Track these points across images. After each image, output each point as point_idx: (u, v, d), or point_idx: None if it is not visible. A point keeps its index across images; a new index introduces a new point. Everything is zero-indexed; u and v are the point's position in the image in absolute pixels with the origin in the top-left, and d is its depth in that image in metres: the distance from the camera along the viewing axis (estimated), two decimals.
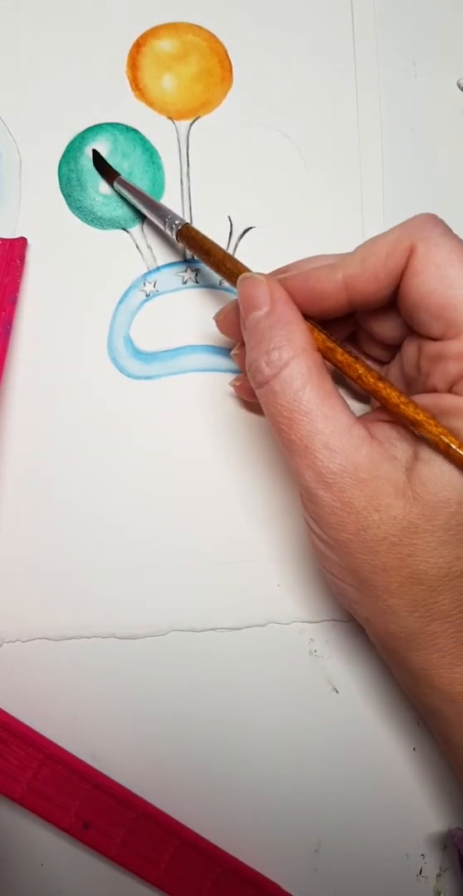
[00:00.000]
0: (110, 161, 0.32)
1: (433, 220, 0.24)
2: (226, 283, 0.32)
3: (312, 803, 0.30)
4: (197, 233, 0.29)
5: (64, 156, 0.33)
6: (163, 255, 0.32)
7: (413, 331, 0.25)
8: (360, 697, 0.30)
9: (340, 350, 0.25)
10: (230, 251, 0.32)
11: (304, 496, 0.25)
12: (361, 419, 0.25)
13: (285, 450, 0.24)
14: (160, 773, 0.29)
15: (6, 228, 0.32)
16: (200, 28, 0.33)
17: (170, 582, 0.30)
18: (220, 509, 0.31)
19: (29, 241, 0.32)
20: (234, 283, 0.27)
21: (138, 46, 0.33)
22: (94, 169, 0.33)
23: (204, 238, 0.28)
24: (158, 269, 0.32)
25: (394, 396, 0.24)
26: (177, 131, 0.33)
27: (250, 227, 0.33)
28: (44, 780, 0.28)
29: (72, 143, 0.33)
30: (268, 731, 0.30)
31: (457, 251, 0.23)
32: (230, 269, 0.27)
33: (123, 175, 0.32)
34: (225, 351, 0.32)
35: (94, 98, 0.33)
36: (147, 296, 0.32)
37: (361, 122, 0.34)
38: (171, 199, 0.33)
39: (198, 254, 0.28)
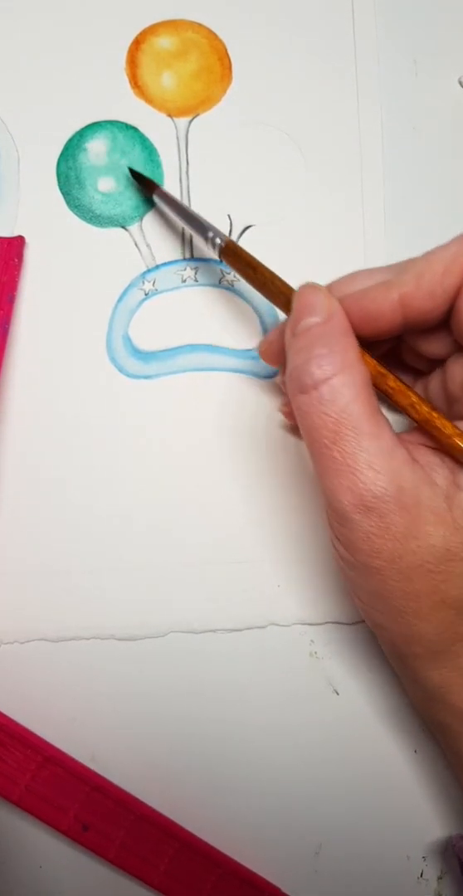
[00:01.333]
0: (109, 159, 0.32)
1: None
2: (226, 282, 0.32)
3: (312, 805, 0.30)
4: (242, 250, 0.27)
5: (62, 153, 0.32)
6: (162, 253, 0.32)
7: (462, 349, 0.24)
8: (361, 699, 0.30)
9: (391, 377, 0.24)
10: None
11: (334, 519, 0.23)
12: (402, 439, 0.24)
13: (322, 467, 0.23)
14: (159, 776, 0.29)
15: (4, 227, 0.32)
16: (200, 25, 0.33)
17: (169, 583, 0.30)
18: (220, 509, 0.31)
19: (27, 240, 0.32)
20: (279, 303, 0.26)
21: (138, 44, 0.33)
22: (92, 166, 0.32)
23: (250, 256, 0.27)
24: (157, 267, 0.32)
25: (448, 427, 0.23)
26: (176, 129, 0.33)
27: (250, 226, 0.33)
28: (42, 782, 0.28)
29: (70, 140, 0.32)
30: (268, 733, 0.30)
31: None
32: (279, 287, 0.26)
33: (123, 174, 0.32)
34: (225, 350, 0.32)
35: (93, 95, 0.33)
36: (146, 294, 0.32)
37: (361, 120, 0.33)
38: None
39: (242, 272, 0.27)
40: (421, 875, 0.29)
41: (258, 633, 0.30)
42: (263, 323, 0.32)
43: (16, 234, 0.32)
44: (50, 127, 0.33)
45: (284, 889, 0.29)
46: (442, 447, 0.24)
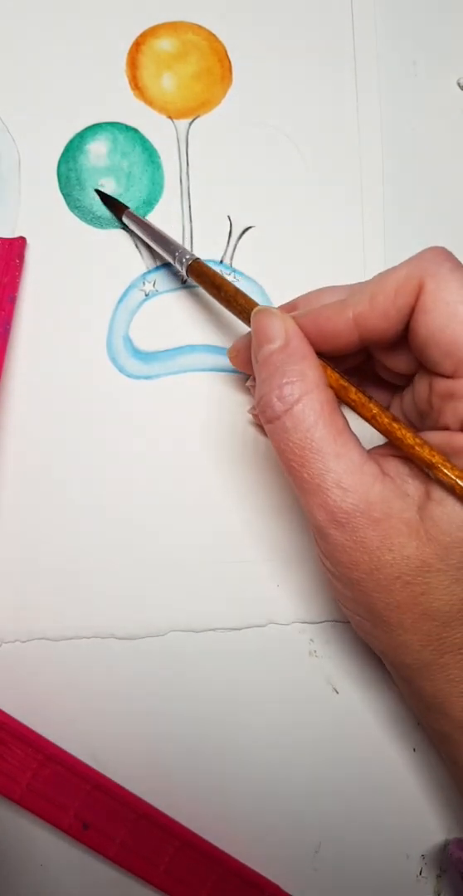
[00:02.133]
0: (110, 160, 0.32)
1: (443, 255, 0.23)
2: None
3: (312, 804, 0.30)
4: (208, 268, 0.28)
5: (63, 155, 0.33)
6: (162, 254, 0.32)
7: (424, 366, 0.25)
8: (360, 698, 0.30)
9: (353, 389, 0.24)
10: (229, 251, 0.32)
11: (316, 534, 0.24)
12: (373, 453, 0.24)
13: (296, 488, 0.24)
14: (160, 774, 0.29)
15: (5, 228, 0.32)
16: (200, 27, 0.33)
17: (169, 582, 0.30)
18: (220, 509, 0.31)
19: (28, 241, 0.32)
20: (244, 318, 0.26)
21: (138, 45, 0.33)
22: (93, 167, 0.32)
23: (215, 273, 0.28)
24: (158, 268, 0.32)
25: (408, 438, 0.23)
26: (176, 130, 0.33)
27: (250, 227, 0.33)
28: (43, 781, 0.28)
29: (71, 142, 0.33)
30: (267, 732, 0.30)
31: None
32: (242, 304, 0.26)
33: (123, 175, 0.32)
34: (224, 350, 0.32)
35: (94, 97, 0.33)
36: (146, 295, 0.32)
37: (360, 121, 0.34)
38: (170, 199, 0.33)
39: (208, 289, 0.28)
40: (420, 873, 0.30)
41: (258, 632, 0.30)
42: None
43: (17, 234, 0.32)
44: (51, 128, 0.33)
45: (283, 887, 0.29)
46: (407, 457, 0.24)
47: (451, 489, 0.22)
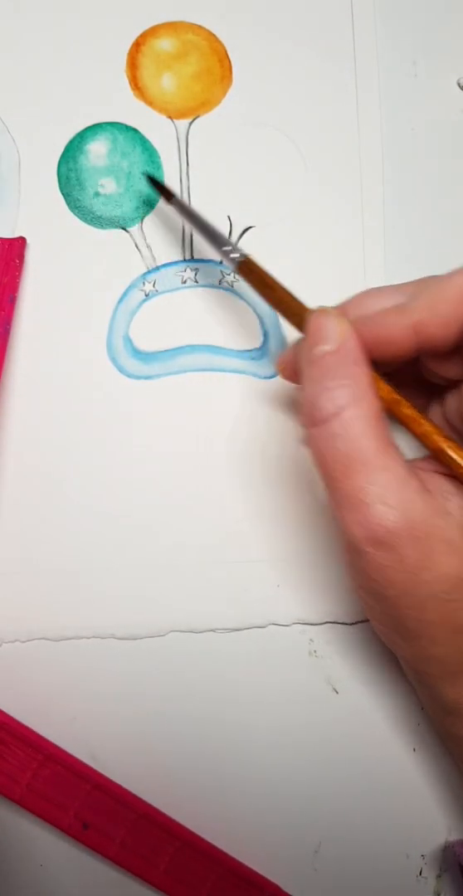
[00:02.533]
0: (110, 160, 0.32)
1: None
2: (226, 283, 0.32)
3: (311, 804, 0.30)
4: (259, 267, 0.27)
5: (63, 155, 0.33)
6: (162, 254, 0.32)
7: None
8: (360, 698, 0.30)
9: (405, 403, 0.24)
10: None
11: (348, 550, 0.23)
12: (414, 466, 0.24)
13: (334, 500, 0.23)
14: (160, 774, 0.29)
15: (5, 228, 0.32)
16: (200, 27, 0.33)
17: (169, 582, 0.30)
18: (220, 509, 0.31)
19: (28, 241, 0.32)
20: (294, 322, 0.25)
21: (138, 45, 0.33)
22: (93, 167, 0.32)
23: (267, 274, 0.27)
24: (158, 268, 0.32)
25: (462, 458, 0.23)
26: (176, 130, 0.33)
27: (250, 227, 0.33)
28: (43, 781, 0.28)
29: (71, 142, 0.33)
30: (268, 732, 0.30)
31: None
32: (293, 307, 0.25)
33: (123, 175, 0.32)
34: (225, 351, 0.32)
35: (94, 97, 0.33)
36: (146, 295, 0.32)
37: (360, 121, 0.34)
38: None
39: (258, 289, 0.27)
40: (420, 873, 0.30)
41: (258, 633, 0.30)
42: (262, 324, 0.32)
43: (17, 234, 0.32)
44: (51, 128, 0.33)
45: (283, 887, 0.29)
46: (456, 477, 0.23)
47: None
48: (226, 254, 0.28)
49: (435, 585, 0.22)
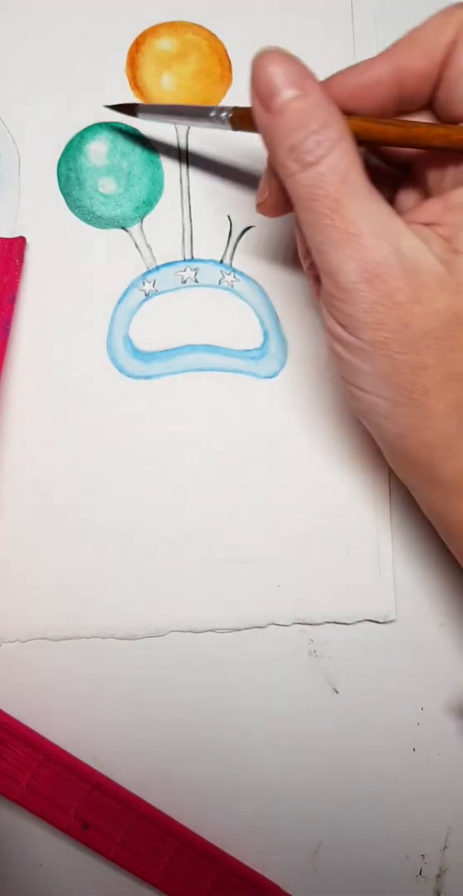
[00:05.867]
0: (110, 160, 0.32)
1: None
2: (226, 283, 0.32)
3: (311, 804, 0.30)
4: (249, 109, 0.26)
5: (63, 154, 0.33)
6: (162, 254, 0.32)
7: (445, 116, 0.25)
8: (359, 698, 0.30)
9: (389, 120, 0.24)
10: (229, 251, 0.32)
11: (337, 298, 0.23)
12: None
13: (325, 242, 0.23)
14: (160, 774, 0.29)
15: (5, 227, 0.32)
16: (200, 27, 0.33)
17: (169, 582, 0.30)
18: (220, 509, 0.31)
19: (28, 241, 0.32)
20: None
21: (138, 45, 0.33)
22: (93, 168, 0.32)
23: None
24: (158, 268, 0.32)
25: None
26: (176, 130, 0.33)
27: (250, 227, 0.33)
28: (43, 781, 0.28)
29: (71, 141, 0.33)
30: (267, 732, 0.30)
31: None
32: None
33: (123, 175, 0.32)
34: (225, 351, 0.32)
35: (94, 97, 0.33)
36: (146, 295, 0.32)
37: None
38: (170, 199, 0.33)
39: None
40: (420, 873, 0.30)
41: (258, 633, 0.30)
42: (262, 324, 0.32)
43: (16, 234, 0.32)
44: (50, 128, 0.33)
45: (283, 887, 0.29)
46: (430, 222, 0.23)
47: None
48: (214, 118, 0.27)
49: (428, 321, 0.23)
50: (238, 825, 0.29)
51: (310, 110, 0.22)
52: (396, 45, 0.25)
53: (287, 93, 0.22)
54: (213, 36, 0.33)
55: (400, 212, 0.24)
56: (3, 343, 0.30)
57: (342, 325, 0.24)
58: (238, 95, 0.33)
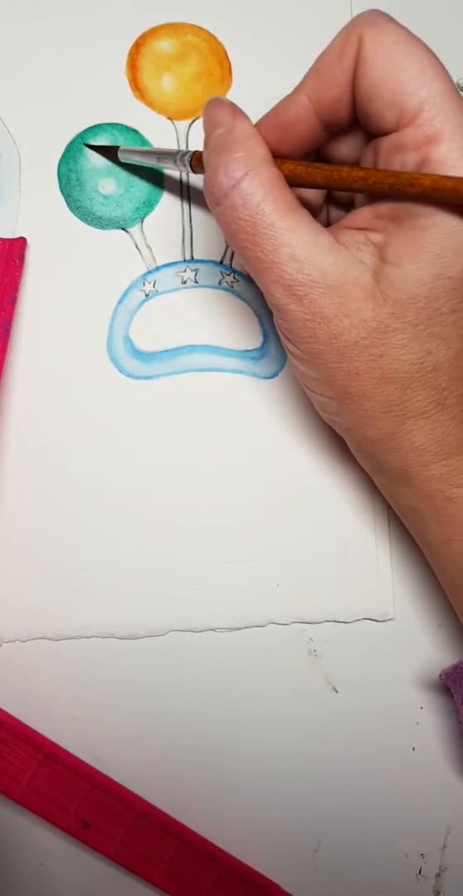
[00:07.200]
0: (110, 160, 0.33)
1: (376, 11, 0.24)
2: (226, 283, 0.32)
3: (311, 803, 0.30)
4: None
5: (63, 155, 0.33)
6: (162, 255, 0.32)
7: (369, 138, 0.25)
8: (359, 697, 0.30)
9: (316, 164, 0.24)
10: (229, 251, 0.33)
11: (276, 314, 0.25)
12: (328, 228, 0.25)
13: (251, 269, 0.24)
14: (160, 773, 0.29)
15: (5, 228, 0.32)
16: (200, 28, 0.33)
17: (169, 582, 0.30)
18: (220, 509, 0.31)
19: (28, 241, 0.32)
20: None
21: (138, 47, 0.33)
22: (93, 168, 0.33)
23: None
24: (158, 269, 0.32)
25: (392, 175, 0.23)
26: (176, 131, 0.33)
27: None
28: (43, 780, 0.28)
29: (71, 142, 0.33)
30: (267, 731, 0.30)
31: (402, 34, 0.24)
32: None
33: (123, 176, 0.32)
34: (225, 351, 0.32)
35: (94, 98, 0.33)
36: (146, 296, 0.32)
37: None
38: (170, 199, 0.33)
39: None
40: (419, 872, 0.30)
41: (258, 632, 0.30)
42: (262, 324, 0.32)
43: (17, 235, 0.32)
44: (51, 129, 0.33)
45: (283, 886, 0.29)
46: (394, 194, 0.23)
47: (453, 191, 0.22)
48: (180, 160, 0.28)
49: (355, 332, 0.24)
50: (238, 824, 0.29)
51: (233, 140, 0.24)
52: (305, 79, 0.25)
53: (219, 129, 0.24)
54: (214, 37, 0.34)
55: (340, 216, 0.25)
56: (3, 343, 0.30)
57: (285, 336, 0.25)
58: (238, 96, 0.33)
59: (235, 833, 0.29)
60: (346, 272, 0.23)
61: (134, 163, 0.32)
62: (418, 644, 0.30)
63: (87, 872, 0.29)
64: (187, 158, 0.28)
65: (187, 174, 0.33)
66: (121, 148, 0.32)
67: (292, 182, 0.24)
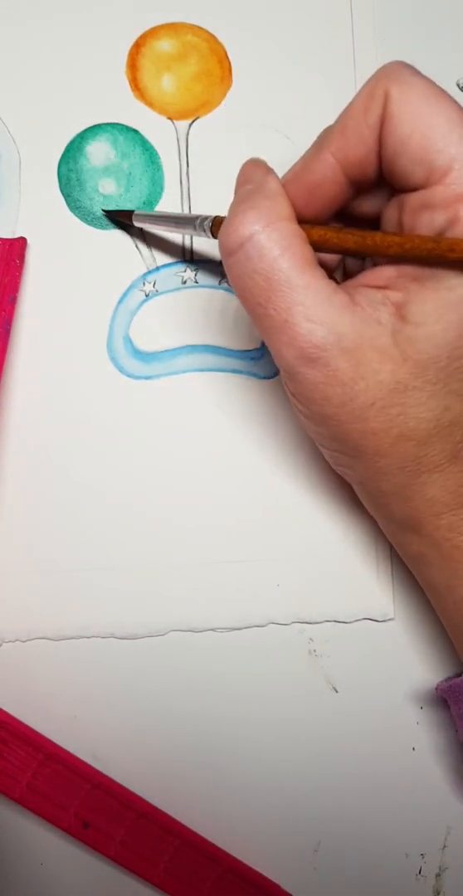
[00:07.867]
0: (110, 161, 0.33)
1: (401, 64, 0.23)
2: (226, 283, 0.32)
3: (311, 803, 0.30)
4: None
5: (63, 156, 0.33)
6: (162, 255, 0.32)
7: (392, 193, 0.24)
8: (359, 697, 0.30)
9: (347, 230, 0.23)
10: None
11: (284, 375, 0.24)
12: (343, 286, 0.24)
13: (261, 328, 0.23)
14: (160, 773, 0.29)
15: (5, 228, 0.32)
16: (200, 28, 0.33)
17: (169, 582, 0.30)
18: (220, 509, 0.31)
19: (28, 241, 0.32)
20: None
21: (138, 47, 0.33)
22: (93, 169, 0.33)
23: None
24: (158, 269, 0.32)
25: (411, 240, 0.22)
26: (176, 131, 0.33)
27: None
28: (43, 780, 0.28)
29: (71, 142, 0.33)
30: (267, 731, 0.30)
31: (429, 88, 0.23)
32: None
33: (123, 176, 0.32)
34: (225, 351, 0.32)
35: (94, 98, 0.33)
36: (146, 296, 0.32)
37: None
38: (170, 199, 0.33)
39: None
40: (419, 872, 0.30)
41: (258, 632, 0.30)
42: None
43: (17, 235, 0.32)
44: (51, 129, 0.33)
45: (283, 886, 0.29)
46: (417, 260, 0.23)
47: None
48: (199, 226, 0.28)
49: (371, 394, 0.23)
50: (238, 824, 0.29)
51: (258, 194, 0.23)
52: (330, 137, 0.24)
53: (248, 185, 0.24)
54: (213, 37, 0.34)
55: (358, 270, 0.25)
56: (3, 343, 0.30)
57: (295, 398, 0.24)
58: (238, 97, 0.33)
59: (235, 833, 0.29)
60: (362, 334, 0.22)
61: (149, 230, 0.32)
62: (418, 644, 0.30)
63: (87, 872, 0.29)
64: (208, 223, 0.27)
65: (188, 173, 0.33)
66: (135, 212, 0.31)
67: (322, 248, 0.24)
